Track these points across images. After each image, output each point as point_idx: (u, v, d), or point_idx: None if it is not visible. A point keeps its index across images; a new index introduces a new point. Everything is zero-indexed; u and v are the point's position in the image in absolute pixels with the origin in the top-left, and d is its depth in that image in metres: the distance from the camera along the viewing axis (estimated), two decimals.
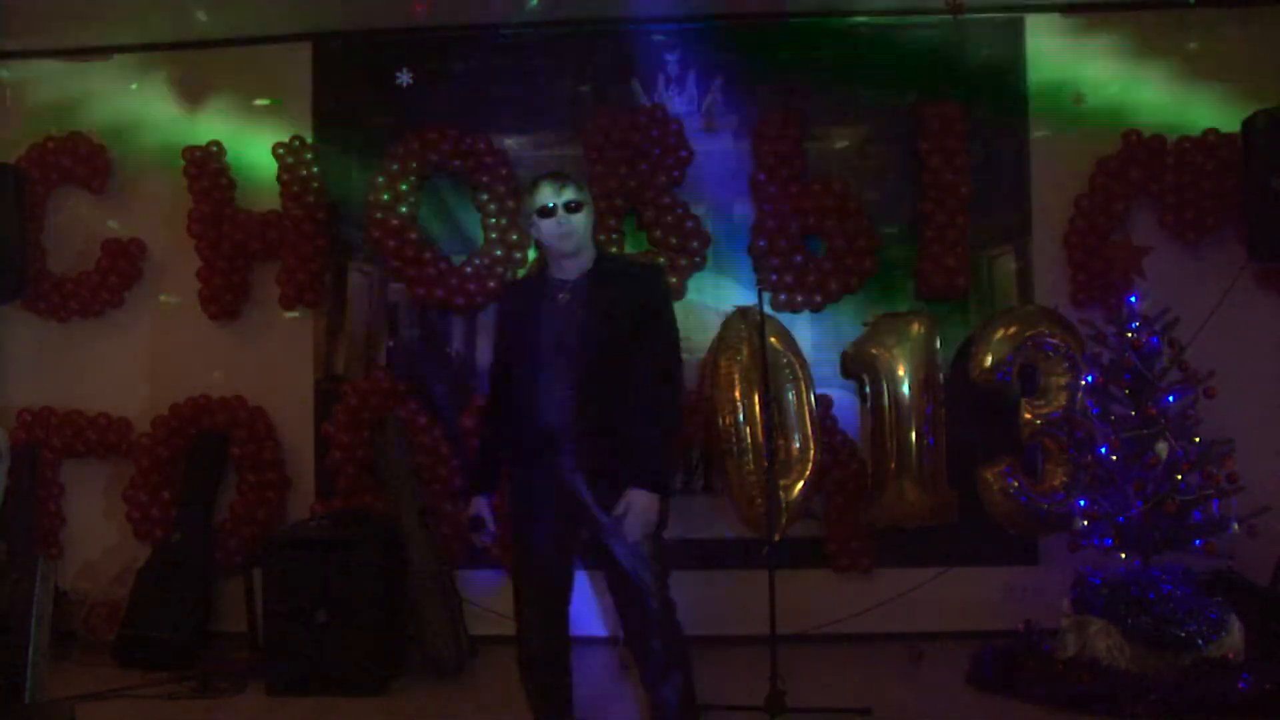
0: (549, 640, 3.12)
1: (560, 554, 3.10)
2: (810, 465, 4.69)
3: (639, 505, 2.91)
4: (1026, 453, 4.73)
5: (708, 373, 4.73)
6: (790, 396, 4.69)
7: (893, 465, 4.70)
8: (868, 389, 4.83)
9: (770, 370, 4.07)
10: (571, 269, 3.08)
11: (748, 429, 4.63)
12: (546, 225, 3.03)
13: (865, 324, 4.83)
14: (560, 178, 3.07)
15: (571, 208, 3.01)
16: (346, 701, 4.15)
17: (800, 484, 4.68)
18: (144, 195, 5.25)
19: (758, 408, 4.60)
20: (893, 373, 4.70)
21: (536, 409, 2.99)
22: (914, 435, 4.67)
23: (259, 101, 5.11)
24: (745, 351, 4.64)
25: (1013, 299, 4.96)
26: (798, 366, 4.71)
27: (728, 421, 4.64)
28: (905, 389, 4.68)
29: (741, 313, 4.76)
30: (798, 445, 4.70)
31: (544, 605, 3.10)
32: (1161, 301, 4.34)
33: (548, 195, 3.02)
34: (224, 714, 4.09)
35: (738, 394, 4.63)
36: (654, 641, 3.02)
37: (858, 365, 4.84)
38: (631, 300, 3.02)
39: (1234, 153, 4.67)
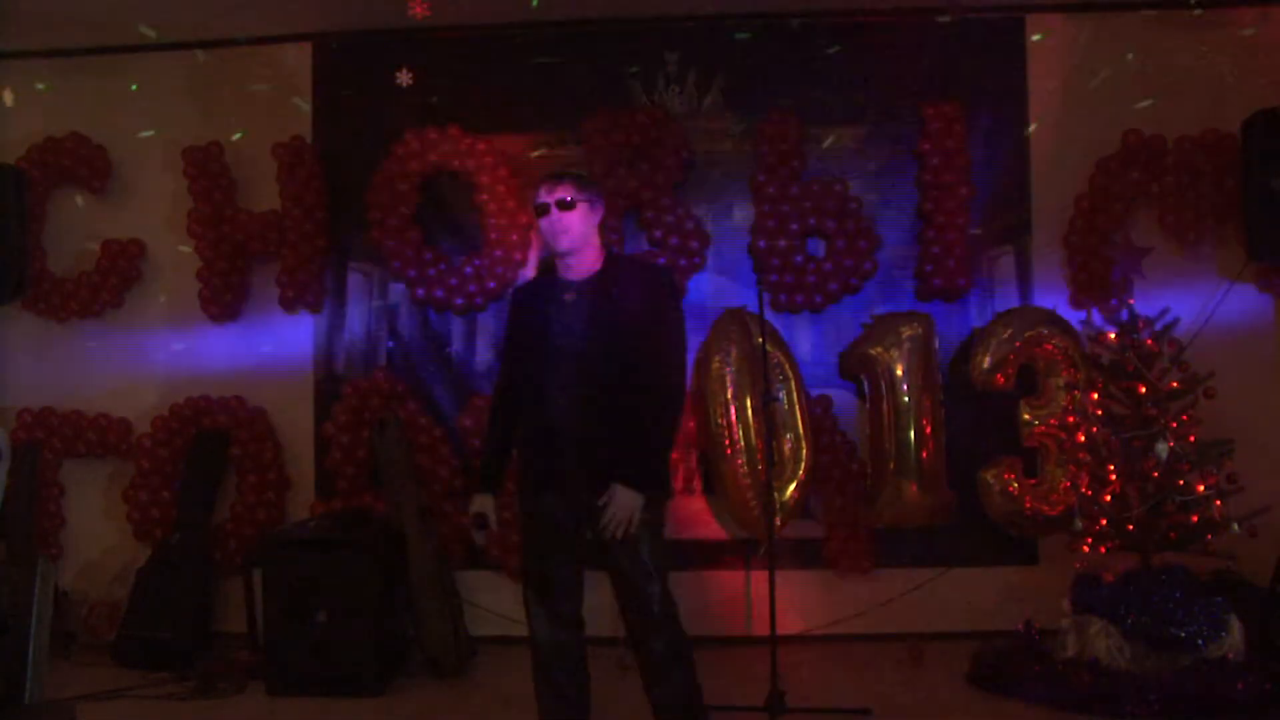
0: (561, 641, 3.10)
1: (567, 554, 3.09)
2: (804, 466, 4.70)
3: (619, 500, 2.90)
4: (1026, 453, 4.72)
5: (700, 373, 4.73)
6: (781, 397, 4.69)
7: (892, 466, 4.70)
8: (867, 390, 4.84)
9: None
10: (577, 268, 3.07)
11: (740, 430, 4.63)
12: (543, 223, 3.04)
13: (865, 324, 4.83)
14: (558, 176, 3.07)
15: (565, 205, 3.00)
16: (346, 701, 4.15)
17: (794, 485, 4.69)
18: (144, 195, 5.25)
19: (749, 408, 4.60)
20: (891, 373, 4.70)
21: (542, 409, 3.00)
22: (913, 436, 4.67)
23: None
24: (735, 352, 4.64)
25: (1013, 299, 4.96)
26: (788, 366, 4.72)
27: (720, 423, 4.65)
28: (904, 389, 4.68)
29: (731, 314, 4.76)
30: (790, 446, 4.71)
31: (553, 605, 3.08)
32: (1161, 301, 4.35)
33: (543, 193, 3.03)
34: (224, 714, 4.10)
35: (730, 395, 4.63)
36: (656, 642, 3.02)
37: (857, 366, 4.84)
38: (637, 301, 3.01)
39: (1234, 153, 4.67)
